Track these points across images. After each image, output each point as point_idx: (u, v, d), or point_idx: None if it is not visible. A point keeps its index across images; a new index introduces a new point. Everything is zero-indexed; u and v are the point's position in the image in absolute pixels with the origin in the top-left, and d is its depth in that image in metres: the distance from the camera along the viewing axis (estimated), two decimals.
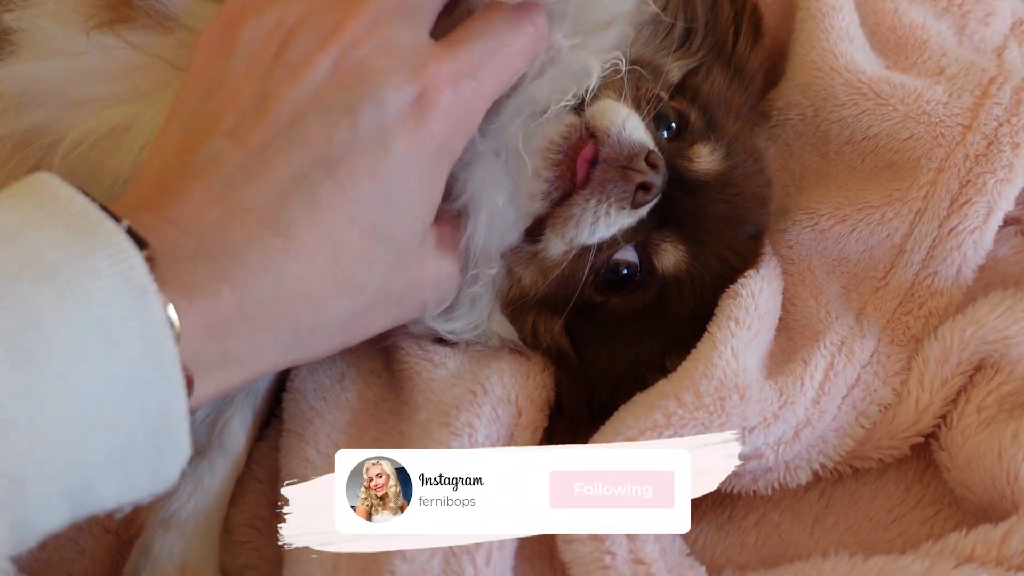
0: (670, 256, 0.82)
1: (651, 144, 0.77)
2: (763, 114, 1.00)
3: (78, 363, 0.50)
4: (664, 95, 0.84)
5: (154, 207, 0.60)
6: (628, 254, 0.81)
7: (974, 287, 0.87)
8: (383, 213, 0.65)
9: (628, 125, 0.77)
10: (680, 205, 0.81)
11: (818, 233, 0.91)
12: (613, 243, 0.79)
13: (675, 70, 0.88)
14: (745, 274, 0.85)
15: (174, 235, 0.58)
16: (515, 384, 0.80)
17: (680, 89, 0.88)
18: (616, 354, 0.85)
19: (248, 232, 0.60)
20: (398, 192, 0.65)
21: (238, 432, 0.81)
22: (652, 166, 0.76)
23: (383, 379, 0.85)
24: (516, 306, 0.83)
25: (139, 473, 0.54)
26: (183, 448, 0.56)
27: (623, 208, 0.76)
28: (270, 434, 0.84)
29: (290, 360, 0.69)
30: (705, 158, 0.83)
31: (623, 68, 0.80)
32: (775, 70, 1.02)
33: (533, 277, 0.81)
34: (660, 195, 0.78)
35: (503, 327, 0.84)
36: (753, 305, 0.81)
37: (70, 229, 0.53)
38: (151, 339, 0.52)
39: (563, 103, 0.77)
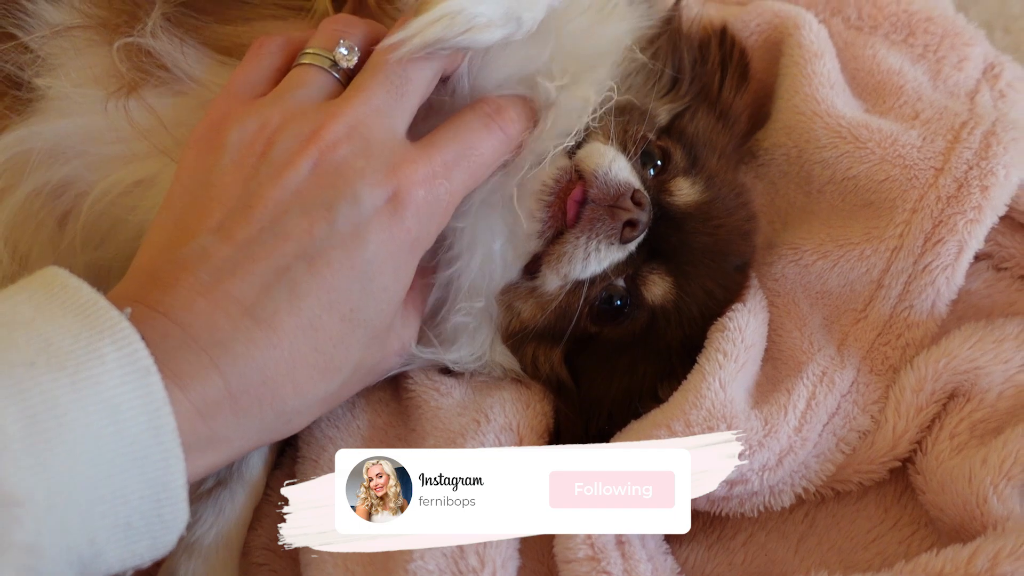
0: (658, 287, 0.87)
1: (636, 183, 0.83)
2: (750, 153, 1.06)
3: (89, 441, 0.55)
4: (651, 136, 0.90)
5: (146, 299, 0.63)
6: (619, 287, 0.86)
7: (948, 319, 0.92)
8: (360, 300, 0.69)
9: (614, 166, 0.82)
10: (666, 239, 0.86)
11: (802, 267, 0.96)
12: (605, 277, 0.84)
13: (663, 113, 0.93)
14: (733, 307, 0.90)
15: (165, 325, 0.62)
16: (516, 413, 0.85)
17: (667, 130, 0.93)
18: (611, 382, 0.90)
19: (234, 322, 0.64)
20: (373, 281, 0.69)
21: (256, 462, 0.86)
22: (638, 204, 0.81)
23: (391, 407, 0.89)
24: (516, 338, 0.89)
25: (142, 540, 0.59)
26: (182, 515, 0.60)
27: (612, 244, 0.81)
28: (285, 462, 0.89)
29: (274, 437, 0.75)
30: (685, 191, 0.88)
31: (613, 103, 0.85)
32: (762, 112, 1.08)
33: (532, 311, 0.87)
34: (647, 231, 0.83)
35: (505, 358, 0.89)
36: (740, 338, 0.86)
37: (79, 318, 0.58)
38: (154, 416, 0.57)
39: (559, 147, 0.83)
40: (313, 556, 0.77)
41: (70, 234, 0.85)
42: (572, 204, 0.81)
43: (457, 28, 0.73)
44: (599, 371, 0.90)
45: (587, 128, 0.85)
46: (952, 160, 0.91)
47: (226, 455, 0.67)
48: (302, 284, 0.66)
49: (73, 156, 0.82)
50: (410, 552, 0.73)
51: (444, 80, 0.80)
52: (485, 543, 0.73)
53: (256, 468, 0.85)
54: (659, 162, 0.89)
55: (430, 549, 0.73)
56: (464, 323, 0.86)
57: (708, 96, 0.98)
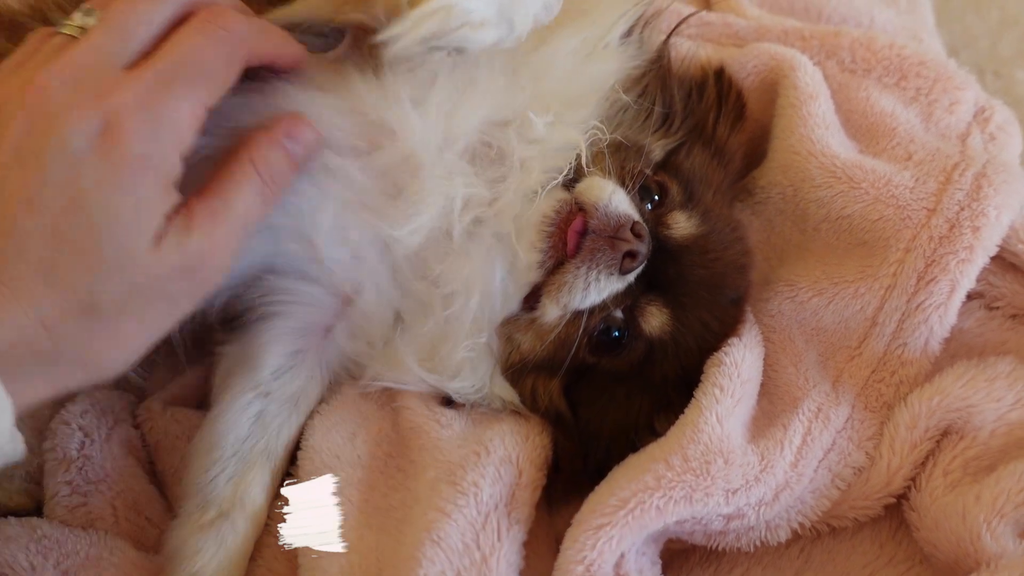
0: (655, 319, 0.88)
1: (636, 215, 0.84)
2: (746, 190, 1.08)
3: None
4: (648, 171, 0.92)
5: None
6: (617, 318, 0.88)
7: (941, 357, 0.94)
8: (95, 238, 0.66)
9: (614, 199, 0.84)
10: (663, 271, 0.87)
11: (798, 304, 0.97)
12: (604, 307, 0.85)
13: (657, 149, 0.95)
14: (729, 342, 0.91)
15: None
16: (516, 445, 0.86)
17: (663, 165, 0.95)
18: (608, 414, 0.91)
19: None
20: (108, 214, 0.66)
21: (258, 492, 0.86)
22: (637, 235, 0.83)
23: (391, 438, 0.90)
24: (516, 370, 0.90)
25: None
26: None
27: (612, 274, 0.83)
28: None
29: (80, 380, 0.71)
30: (682, 224, 0.90)
31: (604, 138, 0.87)
32: (758, 151, 1.10)
33: (531, 342, 0.88)
34: (646, 262, 0.84)
35: (505, 390, 0.90)
36: (736, 373, 0.87)
37: None
38: None
39: (554, 182, 0.85)
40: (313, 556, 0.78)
41: None
42: (573, 234, 0.83)
43: (452, 23, 0.75)
44: (596, 403, 0.91)
45: (579, 164, 0.86)
46: (944, 201, 0.93)
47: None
48: (32, 236, 0.65)
49: None
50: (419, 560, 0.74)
51: None
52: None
53: (258, 498, 0.86)
54: (656, 196, 0.91)
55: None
56: (467, 357, 0.87)
57: (703, 133, 1.00)
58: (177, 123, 0.70)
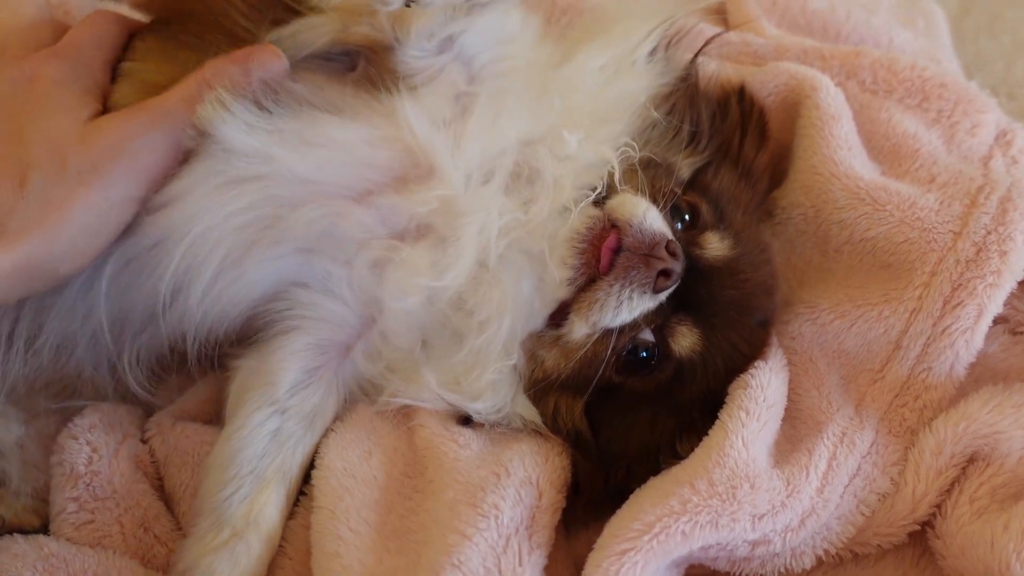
0: (686, 339, 0.87)
1: (670, 234, 0.84)
2: (768, 211, 1.07)
3: None
4: (678, 190, 0.91)
5: None
6: (647, 336, 0.86)
7: (965, 381, 0.92)
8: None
9: (648, 216, 0.83)
10: (695, 290, 0.86)
11: (819, 327, 0.96)
12: (634, 326, 0.84)
13: (685, 168, 0.95)
14: (755, 364, 0.90)
15: None
16: (536, 466, 0.84)
17: (691, 185, 0.95)
18: (631, 435, 0.90)
19: None
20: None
21: (272, 512, 0.85)
22: (672, 254, 0.82)
23: (407, 457, 0.88)
24: (539, 388, 0.88)
25: None
26: None
27: (645, 293, 0.82)
28: (299, 512, 0.88)
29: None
30: (715, 245, 0.89)
31: (635, 155, 0.87)
32: (778, 170, 1.09)
33: (556, 360, 0.86)
34: (680, 279, 0.83)
35: (527, 409, 0.88)
36: (762, 396, 0.86)
37: None
38: None
39: (588, 199, 0.84)
40: None
41: None
42: (607, 252, 0.82)
43: None
44: (619, 424, 0.90)
45: (611, 182, 0.86)
46: (970, 224, 0.92)
47: None
48: None
49: None
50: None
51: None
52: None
53: (273, 518, 0.84)
54: (687, 216, 0.90)
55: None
56: (494, 380, 0.86)
57: (729, 153, 1.00)
58: None
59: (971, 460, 0.87)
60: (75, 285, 0.85)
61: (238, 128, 0.80)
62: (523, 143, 0.85)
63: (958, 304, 0.90)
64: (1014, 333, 0.97)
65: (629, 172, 0.87)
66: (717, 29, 1.12)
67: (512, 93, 0.85)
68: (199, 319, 0.85)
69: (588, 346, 0.84)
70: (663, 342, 0.87)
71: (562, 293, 0.83)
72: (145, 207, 0.82)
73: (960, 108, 1.07)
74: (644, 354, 0.86)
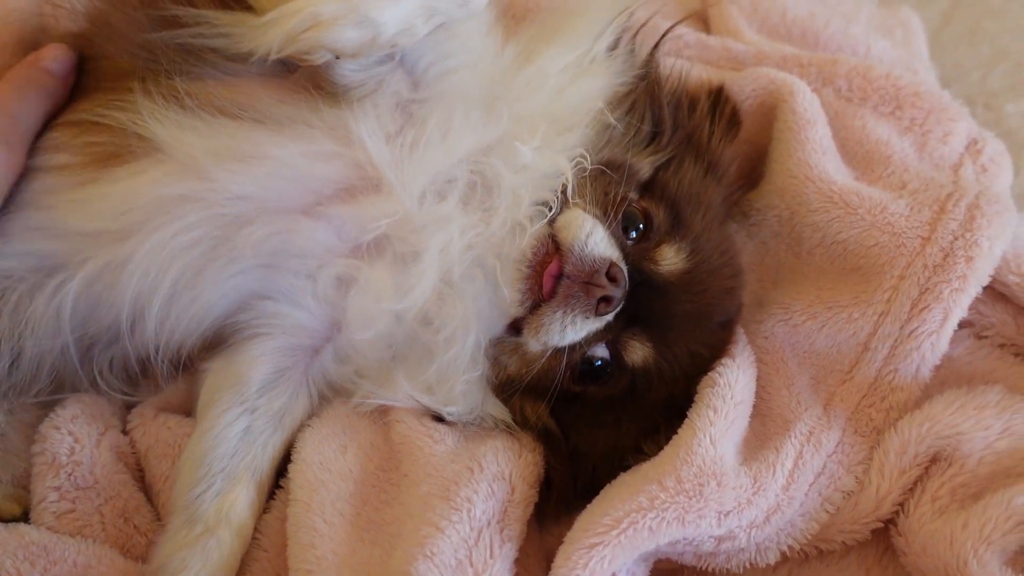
0: (638, 353, 0.88)
1: (613, 256, 0.83)
2: (741, 212, 1.08)
3: None
4: (634, 195, 0.91)
5: None
6: (600, 350, 0.88)
7: (930, 383, 0.94)
8: None
9: (591, 240, 0.83)
10: (648, 306, 0.87)
11: (791, 327, 0.98)
12: (587, 342, 0.85)
13: (646, 167, 0.94)
14: (722, 363, 0.91)
15: None
16: (509, 462, 0.86)
17: (649, 186, 0.94)
18: (597, 437, 0.91)
19: None
20: None
21: (243, 508, 0.86)
22: (612, 280, 0.82)
23: (382, 451, 0.90)
24: (505, 391, 0.90)
25: None
26: None
27: (588, 317, 0.83)
28: (274, 505, 0.89)
29: None
30: (670, 259, 0.89)
31: (588, 167, 0.86)
32: (754, 172, 1.11)
33: (517, 366, 0.88)
34: (624, 301, 0.84)
35: (498, 409, 0.90)
36: (730, 394, 0.88)
37: None
38: None
39: (543, 218, 0.84)
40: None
41: None
42: (548, 278, 0.83)
43: (300, 26, 0.74)
44: (585, 426, 0.91)
45: (564, 195, 0.86)
46: (938, 230, 0.94)
47: None
48: None
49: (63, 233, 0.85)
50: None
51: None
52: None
53: (244, 513, 0.86)
54: (641, 225, 0.90)
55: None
56: (465, 388, 0.88)
57: (695, 146, 0.99)
58: None
59: (934, 460, 0.89)
60: (43, 303, 0.85)
61: (172, 129, 0.80)
62: (477, 153, 0.85)
63: (925, 308, 0.92)
64: (979, 337, 1.00)
65: (582, 182, 0.87)
66: (670, 22, 1.09)
67: (461, 98, 0.85)
68: (161, 338, 0.87)
69: (544, 359, 0.85)
70: (617, 355, 0.88)
71: (515, 311, 0.85)
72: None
73: (933, 116, 1.09)
74: (599, 364, 0.88)
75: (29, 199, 0.85)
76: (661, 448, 0.87)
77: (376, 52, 0.79)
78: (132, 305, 0.84)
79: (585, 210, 0.86)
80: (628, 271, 0.84)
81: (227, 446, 0.88)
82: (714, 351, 0.93)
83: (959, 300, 0.92)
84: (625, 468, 0.89)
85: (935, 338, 0.92)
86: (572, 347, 0.85)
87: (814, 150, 1.03)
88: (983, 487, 0.87)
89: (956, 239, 0.94)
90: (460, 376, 0.87)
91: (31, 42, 1.00)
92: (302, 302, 0.87)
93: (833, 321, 0.96)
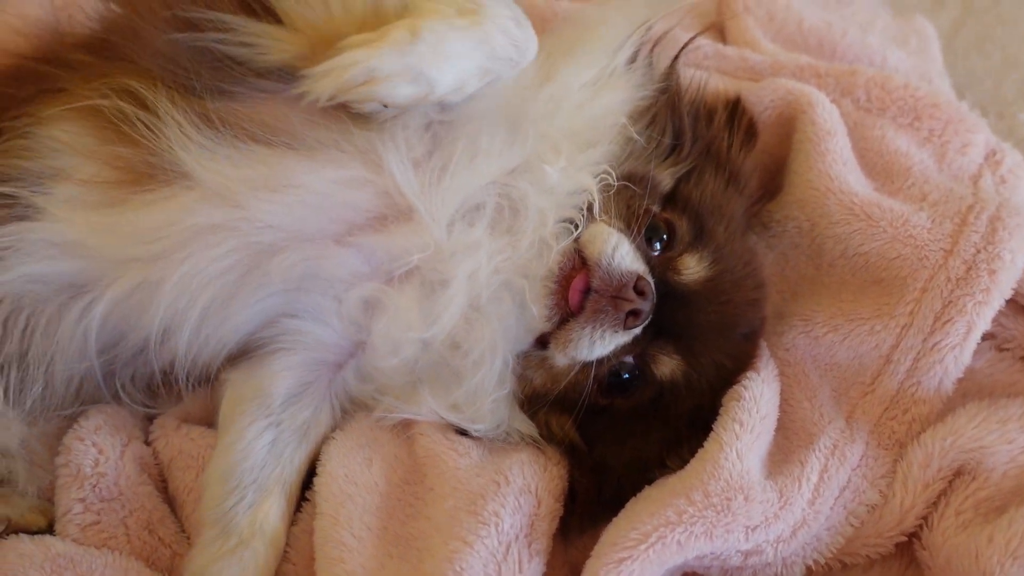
0: (666, 365, 0.88)
1: (640, 270, 0.83)
2: (761, 223, 1.08)
3: None
4: (656, 207, 0.91)
5: None
6: (628, 363, 0.88)
7: (952, 396, 0.95)
8: None
9: (618, 254, 0.83)
10: (673, 317, 0.86)
11: (812, 339, 0.98)
12: (614, 355, 0.85)
13: (667, 178, 0.94)
14: (747, 375, 0.91)
15: None
16: (534, 475, 0.86)
17: (671, 198, 0.94)
18: (622, 450, 0.91)
19: None
20: None
21: (276, 520, 0.86)
22: (640, 293, 0.82)
23: (407, 464, 0.90)
24: (531, 405, 0.90)
25: None
26: None
27: (616, 331, 0.83)
28: (301, 518, 0.89)
29: None
30: (693, 268, 0.89)
31: (613, 183, 0.86)
32: (773, 183, 1.11)
33: (543, 380, 0.88)
34: (653, 312, 0.84)
35: (524, 424, 0.90)
36: (755, 408, 0.88)
37: None
38: None
39: (569, 236, 0.84)
40: None
41: None
42: (575, 293, 0.83)
43: (355, 79, 0.75)
44: (610, 438, 0.91)
45: (589, 208, 0.86)
46: (961, 243, 0.94)
47: None
48: None
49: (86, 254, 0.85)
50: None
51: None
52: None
53: (276, 525, 0.86)
54: (664, 236, 0.90)
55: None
56: (491, 406, 0.88)
57: (716, 157, 0.99)
58: None
59: (957, 473, 0.89)
60: (70, 324, 0.85)
61: (203, 157, 0.80)
62: (504, 176, 0.85)
63: (948, 321, 0.92)
64: (1000, 349, 1.00)
65: (606, 197, 0.87)
66: (690, 34, 1.10)
67: (487, 119, 0.84)
68: (188, 356, 0.87)
69: (571, 373, 0.85)
70: (644, 367, 0.88)
71: (542, 327, 0.84)
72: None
73: (951, 128, 1.09)
74: (626, 377, 0.88)
75: (52, 208, 0.84)
76: (685, 461, 0.87)
77: (426, 105, 0.80)
78: (161, 326, 0.84)
79: (610, 224, 0.86)
80: (654, 282, 0.84)
81: (256, 458, 0.88)
82: (739, 363, 0.93)
83: (983, 313, 0.92)
84: (649, 481, 0.89)
85: (958, 351, 0.92)
86: (600, 360, 0.85)
87: (835, 162, 1.03)
88: (1007, 501, 0.87)
89: (979, 252, 0.94)
90: (488, 396, 0.87)
91: (48, 48, 1.01)
92: (327, 321, 0.87)
93: (855, 333, 0.96)
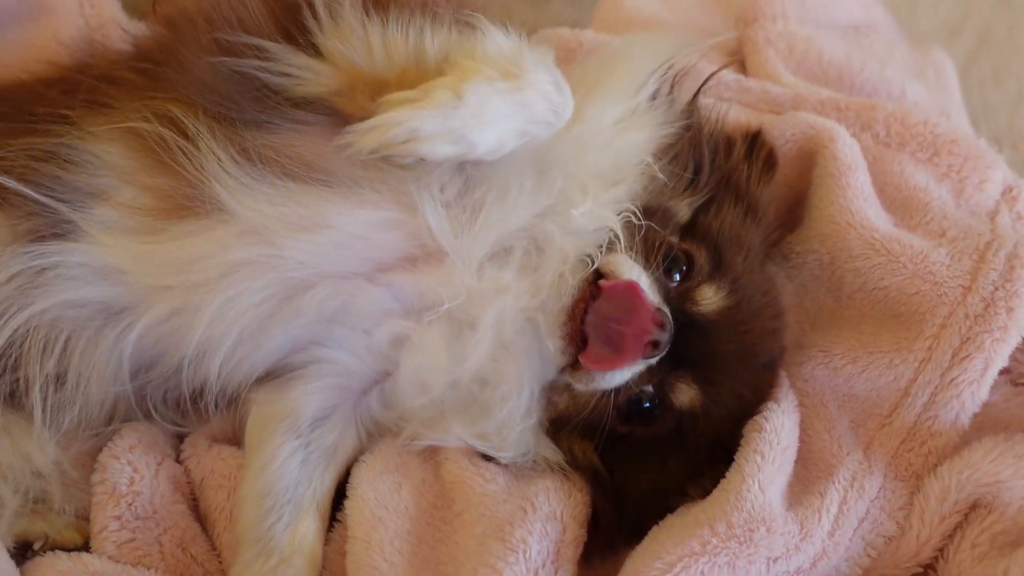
0: (685, 394, 0.89)
1: (657, 301, 0.85)
2: (780, 254, 1.10)
3: None
4: (675, 238, 0.92)
5: None
6: (647, 392, 0.89)
7: (968, 430, 0.96)
8: None
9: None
10: (692, 347, 0.88)
11: (831, 370, 1.00)
12: (634, 383, 0.86)
13: (684, 209, 0.95)
14: (768, 406, 0.93)
15: None
16: (560, 501, 0.88)
17: (690, 228, 0.95)
18: (641, 477, 0.93)
19: None
20: None
21: (313, 538, 0.89)
22: (659, 325, 0.83)
23: (435, 489, 0.92)
24: (555, 428, 0.92)
25: None
26: None
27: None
28: (332, 538, 0.91)
29: None
30: (711, 299, 0.90)
31: (636, 221, 0.88)
32: (792, 215, 1.13)
33: (567, 405, 0.90)
34: (671, 342, 0.84)
35: (551, 451, 0.92)
36: (776, 440, 0.89)
37: None
38: None
39: (586, 269, 0.85)
40: None
41: None
42: None
43: (398, 137, 0.77)
44: (631, 465, 0.93)
45: (610, 245, 0.87)
46: (979, 280, 0.96)
47: None
48: None
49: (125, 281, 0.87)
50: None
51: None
52: None
53: (314, 543, 0.88)
54: (684, 267, 0.91)
55: None
56: (517, 436, 0.90)
57: (734, 188, 0.99)
58: None
59: (973, 507, 0.91)
60: (107, 346, 0.87)
61: (241, 193, 0.82)
62: (532, 219, 0.86)
63: (966, 357, 0.93)
64: (1015, 384, 1.01)
65: (627, 232, 0.88)
66: (714, 67, 1.11)
67: (518, 163, 0.85)
68: (219, 379, 0.89)
69: (592, 400, 0.87)
70: (664, 396, 0.89)
71: (562, 360, 0.86)
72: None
73: (969, 164, 1.11)
74: (647, 405, 0.89)
75: (92, 230, 0.86)
76: (706, 491, 0.89)
77: (463, 161, 0.82)
78: (194, 352, 0.86)
79: (630, 257, 0.87)
80: (672, 313, 0.85)
81: (289, 479, 0.90)
82: (758, 393, 0.94)
83: (1000, 350, 0.93)
84: (670, 509, 0.90)
85: (976, 387, 0.94)
86: (619, 389, 0.86)
87: (856, 196, 1.05)
88: (1022, 535, 0.89)
89: (997, 289, 0.96)
90: (516, 427, 0.89)
91: (92, 62, 1.03)
92: (355, 352, 0.89)
93: (874, 366, 0.98)
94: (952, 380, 0.94)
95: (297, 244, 0.83)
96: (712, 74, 1.10)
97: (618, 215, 0.88)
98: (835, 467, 0.92)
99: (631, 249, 0.88)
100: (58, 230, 0.86)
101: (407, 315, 0.87)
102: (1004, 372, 1.01)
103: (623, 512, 0.92)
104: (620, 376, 0.85)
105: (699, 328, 0.88)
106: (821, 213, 1.06)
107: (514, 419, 0.88)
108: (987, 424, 0.98)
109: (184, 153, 0.83)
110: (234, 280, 0.83)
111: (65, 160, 0.86)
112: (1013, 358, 1.00)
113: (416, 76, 0.80)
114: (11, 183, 0.84)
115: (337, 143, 0.80)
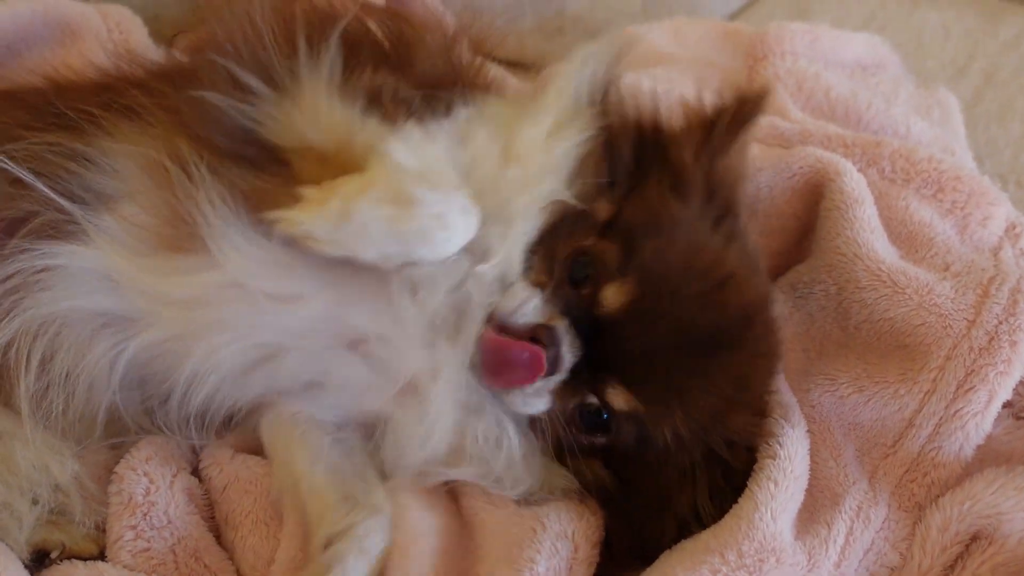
0: (619, 397, 0.87)
1: (540, 319, 0.85)
2: (786, 279, 1.11)
3: None
4: (589, 241, 0.89)
5: None
6: (593, 403, 0.88)
7: (970, 461, 0.98)
8: None
9: (520, 311, 0.85)
10: (605, 349, 0.86)
11: (837, 398, 1.02)
12: (572, 394, 0.87)
13: (605, 206, 0.92)
14: (783, 432, 0.92)
15: None
16: (571, 521, 0.89)
17: (611, 223, 0.91)
18: (644, 485, 0.92)
19: None
20: None
21: (377, 539, 0.89)
22: (536, 354, 0.83)
23: (457, 517, 0.94)
24: (559, 452, 0.92)
25: None
26: None
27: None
28: None
29: None
30: (611, 298, 0.86)
31: (539, 242, 0.89)
32: (800, 247, 1.15)
33: (550, 428, 0.90)
34: (582, 350, 0.85)
35: (562, 477, 0.92)
36: (790, 468, 0.90)
37: None
38: None
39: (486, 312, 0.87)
40: None
41: None
42: None
43: (296, 233, 0.81)
44: (633, 476, 0.92)
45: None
46: (983, 314, 0.98)
47: None
48: None
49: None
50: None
51: None
52: None
53: (379, 544, 0.88)
54: (593, 269, 0.88)
55: None
56: (520, 473, 0.92)
57: (659, 165, 0.95)
58: None
59: (974, 538, 0.92)
60: (97, 355, 0.90)
61: (229, 245, 0.85)
62: (452, 290, 0.87)
63: (970, 389, 0.95)
64: (1017, 417, 1.03)
65: (529, 256, 0.89)
66: (636, 76, 1.10)
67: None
68: (212, 406, 0.92)
69: (549, 420, 0.89)
70: (605, 403, 0.88)
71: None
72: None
73: (973, 200, 1.13)
74: (605, 416, 0.88)
75: (98, 238, 0.88)
76: (719, 511, 0.89)
77: None
78: (186, 381, 0.89)
79: (528, 282, 0.88)
80: (581, 319, 0.85)
81: (335, 474, 0.92)
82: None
83: (1004, 383, 0.95)
84: (678, 525, 0.91)
85: (979, 419, 0.96)
86: (565, 405, 0.87)
87: (863, 228, 1.07)
88: (1022, 566, 0.90)
89: (1000, 323, 0.98)
90: (519, 462, 0.90)
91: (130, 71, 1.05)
92: (338, 411, 0.95)
93: (879, 396, 0.99)
94: (956, 412, 0.96)
95: (275, 311, 0.87)
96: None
97: (522, 247, 0.89)
98: (841, 496, 0.94)
99: (532, 271, 0.88)
100: (69, 231, 0.88)
101: (381, 388, 0.90)
102: (1007, 405, 1.02)
103: (635, 533, 0.93)
104: (537, 399, 0.86)
105: (608, 329, 0.86)
106: (828, 245, 1.09)
107: (515, 455, 0.90)
108: (989, 457, 1.00)
109: (184, 190, 0.86)
110: (215, 331, 0.87)
111: (83, 157, 0.88)
112: (1015, 391, 1.02)
113: (346, 159, 0.84)
114: (24, 175, 0.86)
115: (278, 138, 0.84)
